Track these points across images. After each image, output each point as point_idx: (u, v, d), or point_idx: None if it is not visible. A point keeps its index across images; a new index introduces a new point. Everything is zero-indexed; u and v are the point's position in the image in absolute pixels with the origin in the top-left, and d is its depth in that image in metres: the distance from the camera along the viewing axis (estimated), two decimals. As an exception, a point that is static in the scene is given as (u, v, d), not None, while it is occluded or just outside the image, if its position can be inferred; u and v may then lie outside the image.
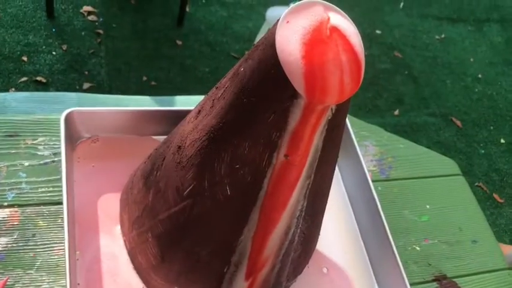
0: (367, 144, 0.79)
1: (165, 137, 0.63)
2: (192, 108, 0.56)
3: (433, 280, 0.69)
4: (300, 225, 0.52)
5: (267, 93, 0.39)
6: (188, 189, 0.48)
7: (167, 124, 0.66)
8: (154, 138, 0.67)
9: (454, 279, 0.70)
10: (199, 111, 0.47)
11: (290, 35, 0.36)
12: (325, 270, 0.64)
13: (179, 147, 0.49)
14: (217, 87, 0.46)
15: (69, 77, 1.41)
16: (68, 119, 0.61)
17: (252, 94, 0.40)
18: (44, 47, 1.45)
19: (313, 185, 0.47)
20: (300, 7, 0.38)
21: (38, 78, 1.37)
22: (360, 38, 0.39)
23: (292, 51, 0.36)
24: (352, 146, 0.70)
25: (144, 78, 1.49)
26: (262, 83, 0.39)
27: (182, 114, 0.59)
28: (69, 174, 0.59)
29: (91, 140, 0.65)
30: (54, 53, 1.45)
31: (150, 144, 0.64)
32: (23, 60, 1.40)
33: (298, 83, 0.36)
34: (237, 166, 0.44)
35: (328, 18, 0.38)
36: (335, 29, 0.37)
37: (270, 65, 0.38)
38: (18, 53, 1.41)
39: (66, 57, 1.45)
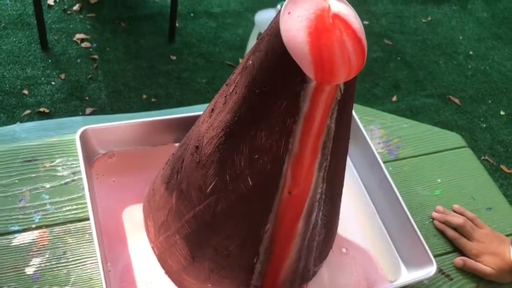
0: (372, 128, 0.81)
1: (178, 144, 0.65)
2: (201, 112, 0.58)
3: (454, 251, 0.70)
4: (322, 209, 0.53)
5: (277, 81, 0.41)
6: (211, 186, 0.49)
7: (179, 131, 0.68)
8: (169, 146, 0.69)
9: (474, 247, 0.71)
10: (212, 109, 0.49)
11: (295, 25, 0.39)
12: (344, 250, 0.66)
13: (197, 147, 0.51)
14: (227, 84, 0.48)
15: (71, 104, 1.43)
16: (83, 137, 0.63)
17: (263, 84, 0.42)
18: (42, 78, 1.48)
19: (330, 167, 0.49)
20: (298, -2, 0.40)
21: (41, 109, 1.40)
22: (359, 20, 0.42)
23: (299, 40, 0.38)
24: (359, 131, 0.72)
25: (144, 96, 1.51)
26: (272, 72, 0.41)
27: (193, 120, 0.61)
28: (91, 190, 0.61)
29: (107, 155, 0.67)
30: (53, 83, 1.48)
31: (165, 152, 0.66)
32: (24, 94, 1.43)
33: (307, 67, 0.38)
34: (256, 156, 0.45)
35: (329, 7, 0.40)
36: (337, 16, 0.40)
37: (277, 54, 0.40)
38: (19, 87, 1.44)
39: (65, 85, 1.48)
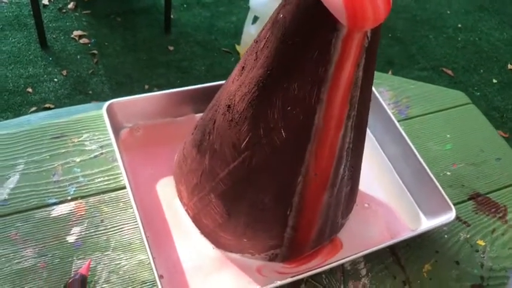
0: (381, 90, 0.84)
1: (202, 114, 0.67)
2: (222, 82, 0.61)
3: (469, 199, 0.74)
4: (349, 159, 0.56)
5: (309, 31, 0.44)
6: (245, 142, 0.52)
7: (199, 102, 0.70)
8: (190, 117, 0.71)
9: (487, 195, 0.75)
10: (243, 67, 0.52)
11: None
12: (366, 205, 0.69)
13: (229, 106, 0.53)
14: (256, 41, 0.50)
15: (75, 99, 1.45)
16: (109, 111, 0.65)
17: (295, 35, 0.45)
18: (45, 76, 1.49)
19: (357, 116, 0.52)
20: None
21: (47, 105, 1.42)
22: None
23: None
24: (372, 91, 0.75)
25: (146, 86, 1.54)
26: (304, 23, 0.44)
27: (213, 89, 0.64)
28: (122, 160, 0.63)
29: (133, 129, 0.69)
30: (56, 79, 1.49)
31: (188, 123, 0.69)
32: (29, 92, 1.44)
33: (340, 13, 0.41)
34: (289, 108, 0.48)
35: None
36: None
37: (309, 5, 0.42)
38: (22, 86, 1.45)
39: (68, 81, 1.49)
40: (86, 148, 0.67)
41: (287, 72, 0.47)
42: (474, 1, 2.22)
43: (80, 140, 0.68)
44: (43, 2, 1.71)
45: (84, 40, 1.63)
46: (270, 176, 0.54)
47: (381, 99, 0.74)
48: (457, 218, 0.71)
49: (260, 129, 0.50)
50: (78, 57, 1.58)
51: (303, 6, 0.43)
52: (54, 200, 0.62)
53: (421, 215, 0.69)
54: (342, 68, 0.46)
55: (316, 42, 0.44)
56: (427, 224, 0.68)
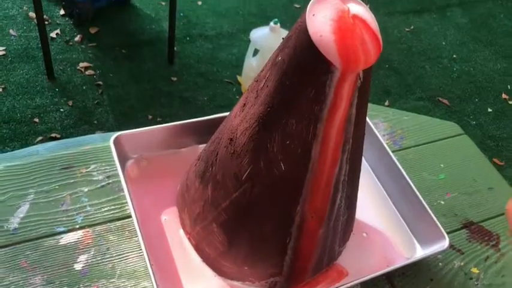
0: (376, 122, 0.87)
1: (204, 145, 0.70)
2: (222, 114, 0.64)
3: (462, 228, 0.76)
4: (345, 190, 0.59)
5: (305, 73, 0.47)
6: (246, 173, 0.55)
7: (204, 133, 0.73)
8: (193, 148, 0.74)
9: (480, 224, 0.77)
10: (244, 104, 0.55)
11: (321, 26, 0.45)
12: (364, 234, 0.71)
13: (231, 139, 0.56)
14: (257, 81, 0.54)
15: (80, 128, 1.49)
16: (116, 143, 0.68)
17: (293, 76, 0.48)
18: (51, 106, 1.53)
19: (352, 150, 0.55)
20: (319, 2, 0.47)
21: (53, 135, 1.45)
22: (374, 18, 0.49)
23: (327, 40, 0.45)
24: (366, 124, 0.78)
25: (150, 116, 1.58)
26: (301, 65, 0.47)
27: (214, 122, 0.67)
28: (130, 189, 0.65)
29: (139, 160, 0.72)
30: (62, 110, 1.54)
31: (192, 154, 0.71)
32: (35, 122, 1.48)
33: (334, 57, 0.45)
34: (288, 142, 0.51)
35: (348, 9, 0.47)
36: (356, 17, 0.47)
37: (305, 49, 0.46)
38: (29, 116, 1.49)
39: (73, 111, 1.54)
40: (94, 178, 0.70)
41: (285, 110, 0.50)
42: (469, 32, 2.29)
43: (87, 170, 0.71)
44: (51, 35, 1.78)
45: (89, 72, 1.68)
46: (270, 206, 0.56)
47: (375, 131, 0.77)
48: (451, 246, 0.73)
49: (260, 161, 0.53)
50: (84, 88, 1.63)
51: (299, 50, 0.47)
52: (62, 229, 0.64)
53: (416, 243, 0.72)
54: (336, 107, 0.50)
55: (312, 83, 0.48)
56: (421, 252, 0.70)
